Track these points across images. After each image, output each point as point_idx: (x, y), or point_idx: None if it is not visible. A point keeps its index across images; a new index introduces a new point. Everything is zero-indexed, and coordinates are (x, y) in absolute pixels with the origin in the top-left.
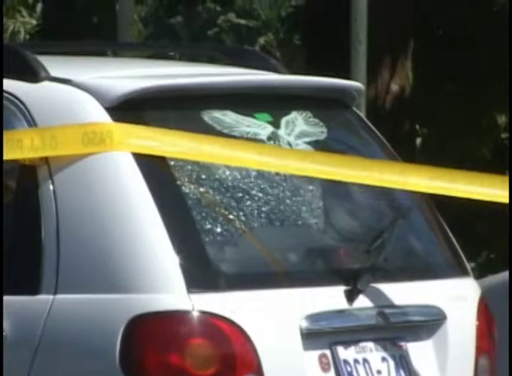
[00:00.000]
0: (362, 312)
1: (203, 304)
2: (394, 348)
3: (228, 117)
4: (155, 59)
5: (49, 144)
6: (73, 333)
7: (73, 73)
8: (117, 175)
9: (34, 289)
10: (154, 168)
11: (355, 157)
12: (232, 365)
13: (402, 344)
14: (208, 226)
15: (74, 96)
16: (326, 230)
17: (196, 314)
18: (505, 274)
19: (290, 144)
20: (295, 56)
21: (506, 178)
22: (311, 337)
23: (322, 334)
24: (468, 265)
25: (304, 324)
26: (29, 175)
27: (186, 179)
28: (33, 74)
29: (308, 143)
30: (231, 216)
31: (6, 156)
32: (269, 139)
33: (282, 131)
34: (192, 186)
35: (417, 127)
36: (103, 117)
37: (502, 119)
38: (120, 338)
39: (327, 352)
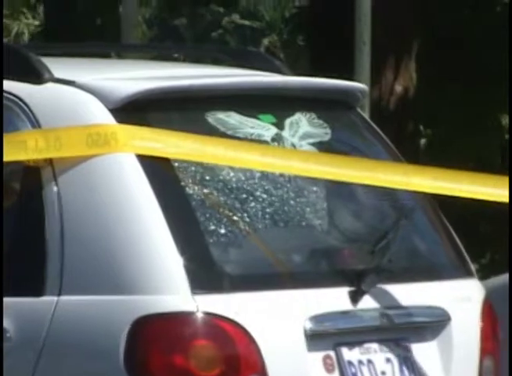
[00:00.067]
0: (366, 313)
1: (208, 305)
2: (399, 349)
3: (232, 119)
4: (159, 61)
5: (54, 145)
6: (77, 334)
7: (77, 74)
8: (121, 176)
9: (38, 290)
10: (158, 170)
11: (358, 158)
12: (237, 366)
13: (407, 345)
14: (212, 227)
15: (78, 98)
16: (330, 231)
17: (200, 315)
18: (505, 276)
19: (294, 145)
20: (299, 57)
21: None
22: (316, 338)
23: (326, 335)
24: (472, 266)
25: (309, 325)
26: (33, 176)
27: (190, 181)
28: (36, 76)
29: (312, 144)
30: (235, 217)
31: (10, 157)
32: (273, 140)
33: (286, 133)
34: (196, 188)
35: (421, 128)
36: (107, 118)
37: (505, 120)
38: (124, 339)
39: (331, 353)
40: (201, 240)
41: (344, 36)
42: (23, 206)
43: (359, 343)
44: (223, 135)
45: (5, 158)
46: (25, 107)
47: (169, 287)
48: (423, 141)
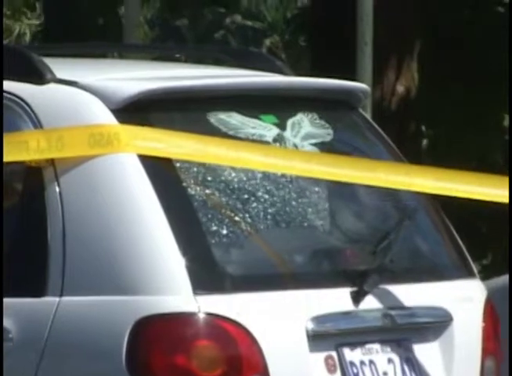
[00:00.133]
0: (368, 313)
1: (210, 306)
2: (401, 349)
3: (233, 119)
4: (161, 61)
5: (55, 146)
6: (79, 335)
7: (79, 75)
8: (123, 176)
9: (40, 291)
10: (160, 170)
11: (360, 159)
12: (238, 367)
13: (409, 345)
14: (214, 228)
15: (80, 98)
16: (332, 232)
17: (202, 316)
18: (505, 277)
19: (295, 146)
20: (300, 57)
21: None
22: (318, 338)
23: (328, 335)
24: (474, 267)
25: (311, 326)
26: (35, 176)
27: (192, 181)
28: (39, 76)
29: (314, 145)
30: (237, 218)
31: (12, 157)
32: (275, 140)
33: (288, 133)
34: (198, 188)
35: (423, 128)
36: (109, 119)
37: (507, 120)
38: (126, 339)
39: (333, 353)
40: (203, 240)
41: (345, 36)
42: (24, 206)
43: (361, 344)
44: (225, 135)
45: (7, 158)
46: (27, 108)
47: (171, 288)
48: (425, 141)
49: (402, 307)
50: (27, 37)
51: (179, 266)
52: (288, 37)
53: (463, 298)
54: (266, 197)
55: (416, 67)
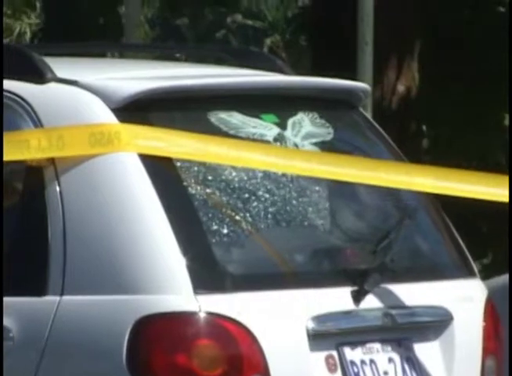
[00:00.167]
0: (368, 312)
1: (210, 305)
2: (401, 349)
3: (234, 118)
4: (161, 61)
5: (56, 145)
6: (80, 334)
7: (80, 74)
8: (124, 176)
9: (40, 290)
10: (161, 169)
11: (361, 158)
12: (239, 366)
13: (409, 345)
14: (215, 227)
15: (80, 97)
16: (333, 231)
17: (202, 315)
18: (505, 277)
19: (296, 145)
20: (301, 56)
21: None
22: (318, 338)
23: (328, 335)
24: (475, 266)
25: (311, 325)
26: (35, 176)
27: (193, 180)
28: (39, 76)
29: (315, 144)
30: (237, 217)
31: (13, 156)
32: (275, 140)
33: (288, 133)
34: (198, 187)
35: (423, 127)
36: (109, 118)
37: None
38: (127, 339)
39: (334, 353)
40: (203, 239)
41: (345, 37)
42: (25, 205)
43: (362, 343)
44: (225, 134)
45: (8, 157)
46: (28, 107)
47: (171, 287)
48: (425, 140)
49: (403, 306)
50: (28, 37)
51: (180, 265)
52: (289, 36)
53: (463, 298)
54: (267, 196)
55: (416, 67)
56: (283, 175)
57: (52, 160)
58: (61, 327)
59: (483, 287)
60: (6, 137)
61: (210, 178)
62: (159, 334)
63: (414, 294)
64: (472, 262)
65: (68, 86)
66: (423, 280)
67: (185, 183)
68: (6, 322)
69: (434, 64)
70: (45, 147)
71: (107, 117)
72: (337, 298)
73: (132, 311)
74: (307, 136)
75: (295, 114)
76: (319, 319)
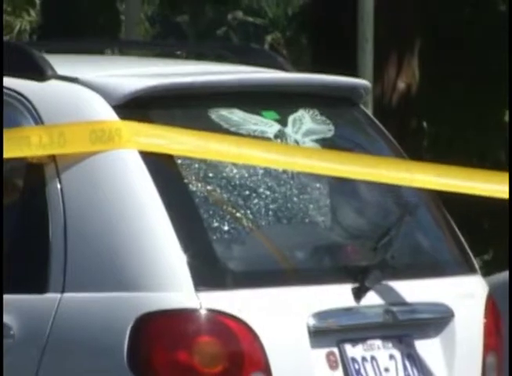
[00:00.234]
0: (369, 309)
1: (211, 302)
2: (402, 345)
3: (235, 115)
4: (162, 58)
5: (57, 142)
6: (80, 331)
7: (80, 71)
8: (125, 173)
9: (41, 287)
10: (161, 166)
11: (361, 155)
12: (240, 363)
13: (410, 341)
14: (215, 224)
15: (81, 95)
16: (334, 228)
17: (203, 312)
18: (505, 274)
19: (297, 142)
20: (302, 53)
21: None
22: (319, 335)
23: (329, 331)
24: (475, 263)
25: (312, 322)
26: (36, 173)
27: (193, 177)
28: (40, 73)
29: (315, 141)
30: (238, 214)
31: (14, 153)
32: (276, 137)
33: (289, 129)
34: (199, 184)
35: (424, 124)
36: (110, 115)
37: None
38: (128, 336)
39: (335, 349)
40: (204, 236)
41: (345, 36)
42: (26, 203)
43: (363, 340)
44: (226, 131)
45: (9, 154)
46: (28, 104)
47: (172, 284)
48: (425, 139)
49: (404, 303)
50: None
51: (181, 262)
52: (290, 34)
53: (464, 294)
54: (267, 193)
55: (416, 64)
56: (284, 171)
57: (52, 158)
58: (62, 324)
59: (484, 284)
60: (7, 134)
61: (210, 175)
62: (160, 331)
63: (415, 290)
64: (473, 258)
65: (69, 83)
66: (423, 277)
67: (185, 180)
68: (7, 319)
69: (434, 63)
70: (46, 144)
71: (108, 114)
72: (338, 295)
73: (133, 308)
74: (307, 133)
75: (296, 111)
76: (319, 315)
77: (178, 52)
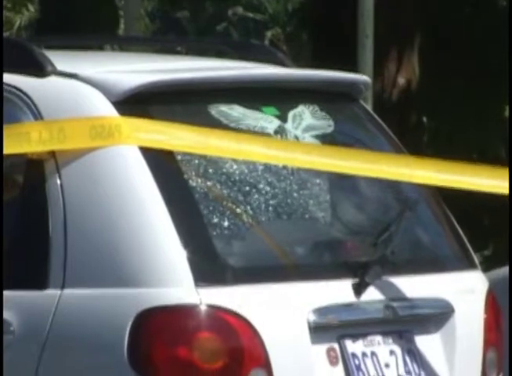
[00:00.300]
0: (369, 305)
1: (211, 298)
2: (402, 341)
3: (235, 111)
4: (162, 54)
5: (57, 137)
6: (81, 327)
7: (80, 67)
8: (125, 169)
9: (41, 283)
10: (161, 162)
11: (361, 150)
12: (240, 359)
13: (410, 337)
14: (215, 220)
15: (81, 91)
16: (334, 223)
17: (203, 308)
18: (505, 269)
19: (297, 138)
20: (302, 49)
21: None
22: (319, 330)
23: (329, 327)
24: (476, 258)
25: (312, 318)
26: (36, 169)
27: (193, 173)
28: (39, 69)
29: (315, 137)
30: (238, 210)
31: (14, 149)
32: (276, 132)
33: (289, 125)
34: (199, 180)
35: (424, 120)
36: (110, 111)
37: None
38: (128, 332)
39: (335, 345)
40: (204, 232)
41: (345, 34)
42: (26, 199)
43: (363, 335)
44: (226, 127)
45: (9, 150)
46: (28, 100)
47: (172, 280)
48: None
49: (404, 299)
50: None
51: (181, 258)
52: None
53: (464, 290)
54: (267, 188)
55: (416, 59)
56: (284, 167)
57: (52, 153)
58: (62, 320)
59: (484, 279)
60: (6, 130)
61: (210, 171)
62: (160, 327)
63: (415, 286)
64: (473, 253)
65: (68, 79)
66: (424, 273)
67: (185, 176)
68: (7, 315)
69: (434, 59)
70: (46, 140)
71: (108, 110)
72: (338, 291)
73: (133, 304)
74: (307, 129)
75: (296, 107)
76: (320, 311)
77: (179, 48)
